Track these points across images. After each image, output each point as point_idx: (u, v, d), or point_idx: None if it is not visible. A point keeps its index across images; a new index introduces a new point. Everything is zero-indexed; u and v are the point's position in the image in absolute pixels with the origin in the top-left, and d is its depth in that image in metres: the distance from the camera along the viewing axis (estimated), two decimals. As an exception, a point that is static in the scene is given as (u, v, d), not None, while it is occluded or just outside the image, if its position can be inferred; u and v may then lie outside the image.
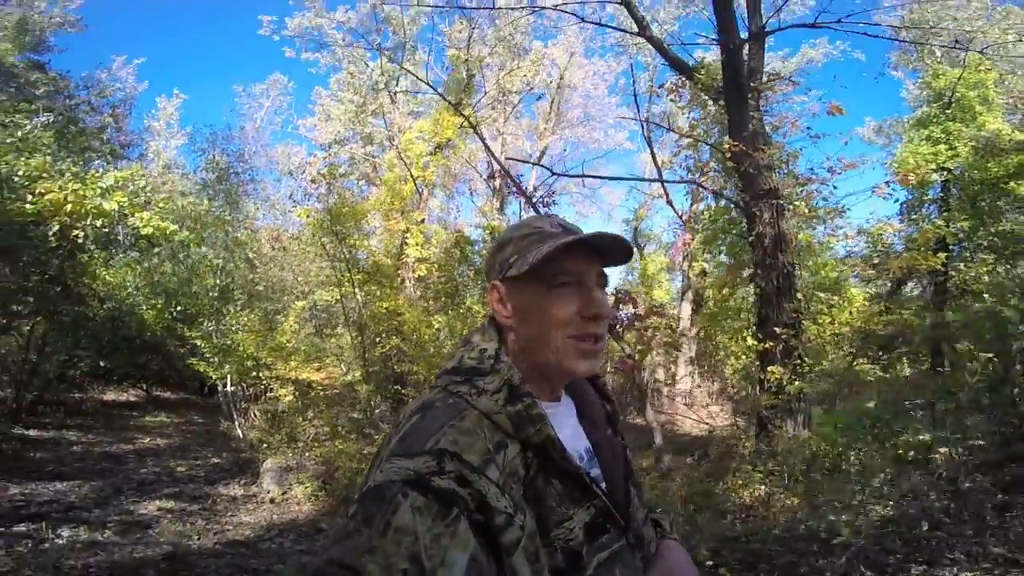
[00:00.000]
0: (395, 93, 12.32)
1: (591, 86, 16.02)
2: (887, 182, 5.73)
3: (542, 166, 7.25)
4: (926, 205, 9.10)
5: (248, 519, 4.23)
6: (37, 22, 13.06)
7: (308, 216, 8.44)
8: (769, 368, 5.24)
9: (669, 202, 11.81)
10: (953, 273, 8.14)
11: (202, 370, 8.29)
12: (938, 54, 10.57)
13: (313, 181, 8.18)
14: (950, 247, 8.16)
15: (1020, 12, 10.65)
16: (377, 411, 8.22)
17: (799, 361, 5.31)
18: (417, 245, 10.10)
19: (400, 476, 0.59)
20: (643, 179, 12.43)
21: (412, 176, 10.63)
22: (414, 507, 0.56)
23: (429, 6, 8.58)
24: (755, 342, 5.52)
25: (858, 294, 5.43)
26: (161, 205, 6.15)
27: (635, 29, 7.72)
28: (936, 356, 6.68)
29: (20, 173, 4.86)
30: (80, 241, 5.10)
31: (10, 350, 7.20)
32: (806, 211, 5.59)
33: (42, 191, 4.77)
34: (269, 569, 3.36)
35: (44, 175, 5.08)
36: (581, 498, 0.69)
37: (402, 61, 12.70)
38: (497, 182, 6.11)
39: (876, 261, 7.74)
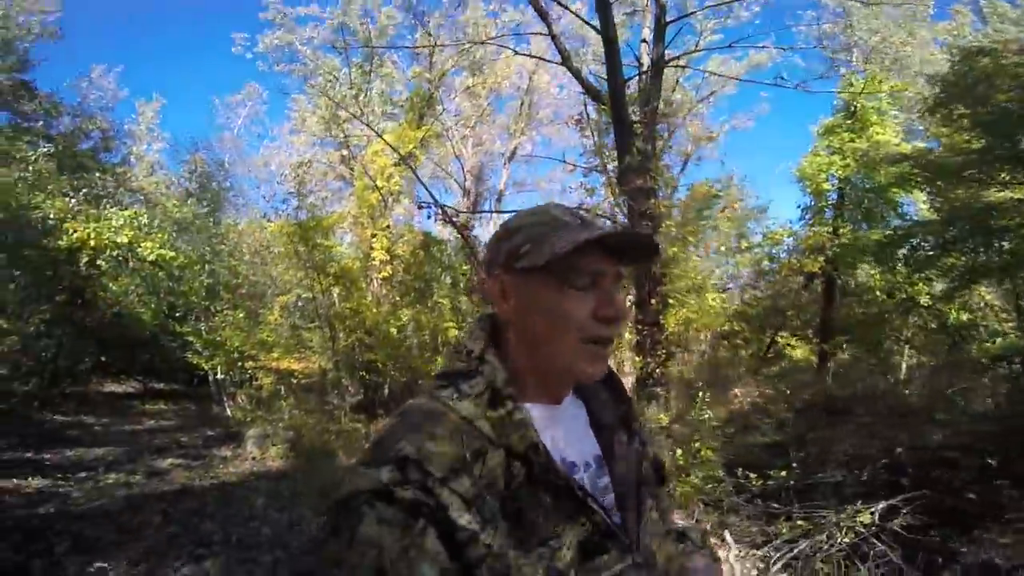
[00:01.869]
0: (365, 105, 14.13)
1: (557, 88, 17.75)
2: (723, 208, 7.61)
3: (445, 206, 9.03)
4: (827, 211, 10.96)
5: (235, 470, 6.25)
6: (16, 36, 13.42)
7: (281, 230, 10.39)
8: (635, 357, 7.19)
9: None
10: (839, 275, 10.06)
11: (195, 362, 10.32)
12: (854, 65, 12.23)
13: (284, 201, 10.08)
14: (834, 250, 10.01)
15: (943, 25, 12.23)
16: (347, 395, 10.30)
17: (663, 351, 7.26)
18: (382, 249, 12.01)
19: (366, 486, 0.60)
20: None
21: (377, 187, 12.54)
22: (380, 519, 0.57)
23: (372, 47, 10.37)
24: (630, 336, 7.46)
25: (714, 297, 7.27)
26: (160, 236, 8.08)
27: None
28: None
29: (52, 216, 6.81)
30: (103, 268, 7.04)
31: (36, 350, 9.23)
32: (673, 230, 7.50)
33: (71, 229, 6.73)
34: (249, 497, 5.38)
35: (68, 215, 7.04)
36: (574, 513, 0.66)
37: (372, 69, 14.57)
38: (436, 210, 7.86)
39: (766, 264, 9.70)
